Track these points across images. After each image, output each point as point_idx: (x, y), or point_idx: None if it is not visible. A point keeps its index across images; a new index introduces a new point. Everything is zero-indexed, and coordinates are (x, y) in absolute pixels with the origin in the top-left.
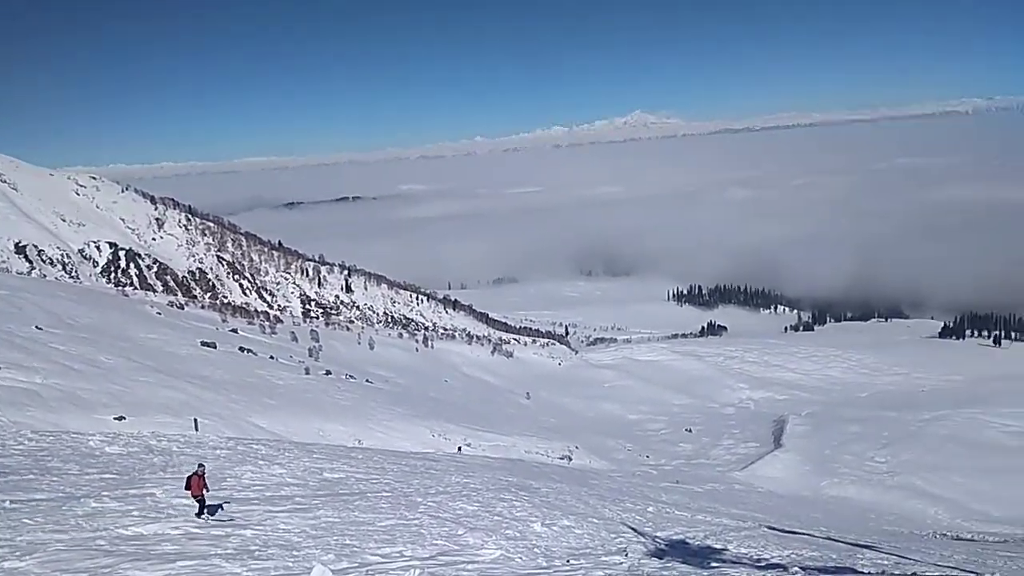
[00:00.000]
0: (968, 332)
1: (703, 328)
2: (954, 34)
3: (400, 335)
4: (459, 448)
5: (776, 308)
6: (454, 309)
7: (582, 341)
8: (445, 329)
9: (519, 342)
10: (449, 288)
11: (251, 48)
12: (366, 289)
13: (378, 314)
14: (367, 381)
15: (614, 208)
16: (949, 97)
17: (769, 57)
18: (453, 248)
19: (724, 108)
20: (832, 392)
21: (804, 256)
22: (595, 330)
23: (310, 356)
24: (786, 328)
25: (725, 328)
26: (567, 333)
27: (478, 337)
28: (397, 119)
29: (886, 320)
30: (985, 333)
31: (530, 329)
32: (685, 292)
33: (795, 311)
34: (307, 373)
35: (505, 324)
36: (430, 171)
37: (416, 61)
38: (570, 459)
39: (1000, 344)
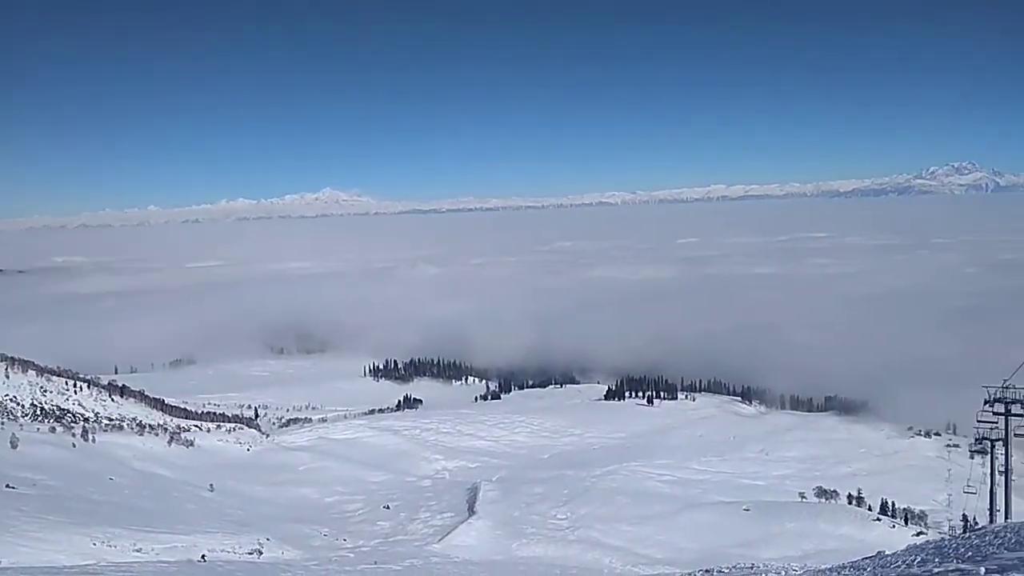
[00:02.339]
0: (627, 394)
1: (399, 402)
2: (605, 138)
3: (53, 429)
4: (202, 556)
5: (467, 379)
6: (122, 396)
7: (274, 423)
8: (111, 419)
9: (201, 429)
10: (116, 372)
11: None
12: (7, 377)
13: (23, 406)
14: (8, 486)
15: (306, 283)
16: (604, 189)
17: (452, 146)
18: (122, 327)
19: (413, 189)
20: (519, 456)
21: (489, 329)
22: (288, 411)
23: None
24: (476, 398)
25: (421, 401)
26: (257, 416)
27: (152, 426)
28: (48, 184)
29: (561, 386)
30: (640, 394)
31: (214, 414)
32: (381, 367)
33: (484, 381)
34: None
35: (185, 410)
36: (94, 242)
37: (72, 118)
38: (260, 553)
39: (653, 403)
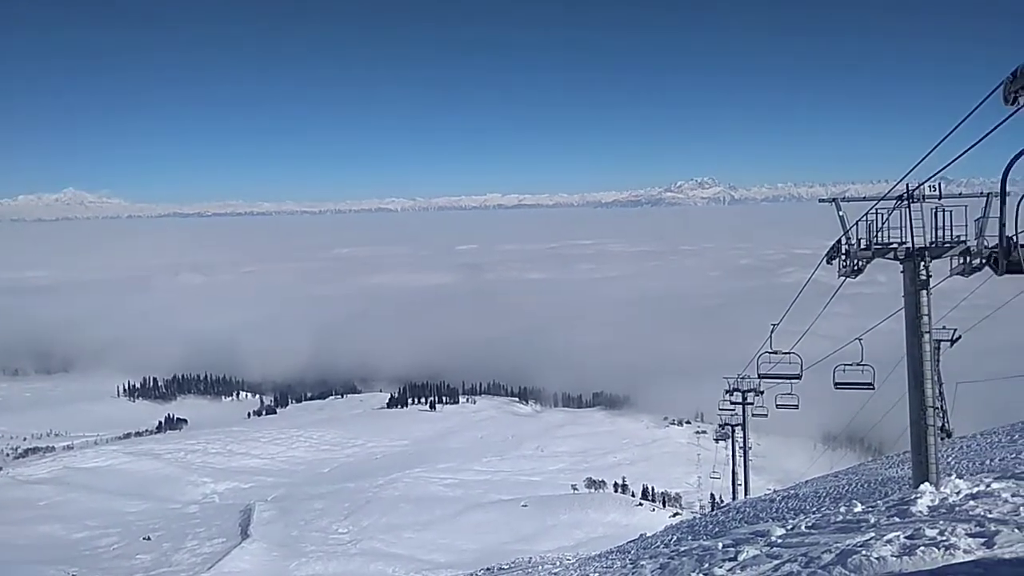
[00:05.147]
0: (410, 400)
1: (160, 423)
2: (384, 143)
3: None
4: None
5: (239, 394)
6: None
7: (8, 454)
8: None
9: None
10: None
11: None
12: None
13: None
14: None
15: (44, 295)
16: (383, 195)
17: (216, 146)
18: None
19: (173, 192)
20: (297, 473)
21: (262, 341)
22: (25, 439)
23: None
24: (249, 414)
25: (186, 420)
26: None
27: None
28: None
29: (342, 396)
30: (423, 400)
31: None
32: (138, 386)
33: (258, 396)
34: None
35: None
36: None
37: None
38: None
39: (435, 408)
